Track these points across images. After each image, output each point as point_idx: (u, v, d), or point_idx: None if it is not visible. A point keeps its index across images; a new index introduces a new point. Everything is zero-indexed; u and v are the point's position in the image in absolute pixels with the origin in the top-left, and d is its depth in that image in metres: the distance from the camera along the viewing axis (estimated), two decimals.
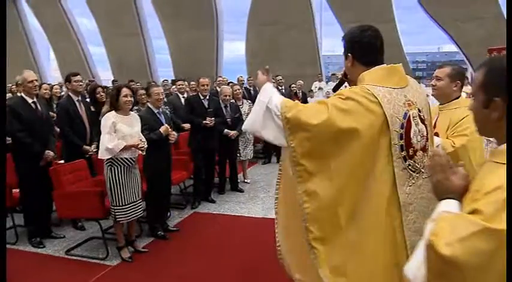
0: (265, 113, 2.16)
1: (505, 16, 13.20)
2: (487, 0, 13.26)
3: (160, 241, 5.04)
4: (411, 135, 2.06)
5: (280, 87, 9.91)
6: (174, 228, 5.41)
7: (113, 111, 4.50)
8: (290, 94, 10.18)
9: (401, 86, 2.11)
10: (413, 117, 2.08)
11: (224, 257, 4.61)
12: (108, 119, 4.40)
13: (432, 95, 3.10)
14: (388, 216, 2.01)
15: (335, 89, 2.44)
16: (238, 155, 7.37)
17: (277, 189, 2.34)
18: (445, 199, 1.41)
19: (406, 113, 2.05)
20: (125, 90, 4.48)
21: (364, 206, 2.00)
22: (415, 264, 1.31)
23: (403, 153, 2.04)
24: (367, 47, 2.14)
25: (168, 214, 5.67)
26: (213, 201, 6.54)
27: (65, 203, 4.65)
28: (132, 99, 4.56)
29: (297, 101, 2.19)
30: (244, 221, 5.80)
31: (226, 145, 6.83)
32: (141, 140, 4.52)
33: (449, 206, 1.37)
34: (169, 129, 5.06)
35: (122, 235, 4.60)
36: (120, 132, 4.38)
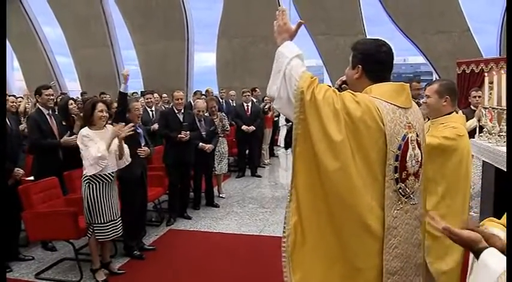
0: (284, 75, 1.99)
1: (471, 29, 13.69)
2: (454, 15, 13.65)
3: (136, 261, 4.85)
4: (407, 158, 2.01)
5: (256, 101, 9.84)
6: (150, 247, 5.23)
7: (86, 127, 4.34)
8: (263, 108, 10.06)
9: (406, 107, 2.06)
10: (411, 140, 2.03)
11: (204, 278, 4.48)
12: (85, 134, 4.24)
13: (425, 113, 3.11)
14: (369, 233, 1.94)
15: None
16: (213, 169, 7.27)
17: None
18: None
19: (405, 135, 2.00)
20: (100, 106, 4.35)
21: (347, 214, 1.92)
22: None
23: (396, 175, 1.98)
24: (380, 64, 2.10)
25: (143, 232, 5.48)
26: (188, 218, 6.39)
27: (36, 223, 4.40)
28: (107, 114, 4.43)
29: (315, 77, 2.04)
30: (221, 238, 5.67)
31: (202, 159, 6.70)
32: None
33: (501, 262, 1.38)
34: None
35: (98, 256, 4.40)
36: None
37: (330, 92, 1.94)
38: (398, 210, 1.99)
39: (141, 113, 5.19)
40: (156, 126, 6.81)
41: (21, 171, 4.76)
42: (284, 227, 2.07)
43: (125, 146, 4.50)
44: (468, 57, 10.67)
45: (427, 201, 2.46)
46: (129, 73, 5.06)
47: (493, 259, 1.38)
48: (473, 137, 4.49)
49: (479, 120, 5.58)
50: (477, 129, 5.37)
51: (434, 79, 17.69)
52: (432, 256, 2.79)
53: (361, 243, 1.95)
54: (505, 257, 1.38)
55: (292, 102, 1.94)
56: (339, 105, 1.89)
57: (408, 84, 2.15)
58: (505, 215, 1.72)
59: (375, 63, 2.09)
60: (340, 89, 2.27)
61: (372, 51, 2.10)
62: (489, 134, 3.82)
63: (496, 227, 1.66)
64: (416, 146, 2.07)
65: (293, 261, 2.03)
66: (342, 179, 1.89)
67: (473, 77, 9.70)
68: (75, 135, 5.14)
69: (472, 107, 5.86)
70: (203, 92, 11.11)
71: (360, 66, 2.10)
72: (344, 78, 2.31)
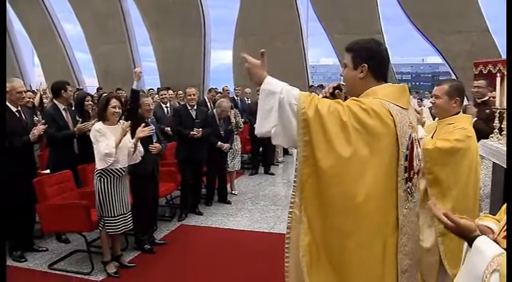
0: (279, 107, 1.88)
1: (490, 30, 13.46)
2: (473, 15, 13.45)
3: (146, 255, 4.93)
4: (413, 158, 2.03)
5: None
6: (161, 241, 5.30)
7: (100, 122, 4.43)
8: None
9: (407, 108, 2.07)
10: (415, 139, 2.06)
11: (213, 273, 4.53)
12: (98, 129, 4.33)
13: (433, 112, 3.12)
14: (383, 237, 1.93)
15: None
16: (226, 166, 7.32)
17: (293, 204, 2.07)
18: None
19: (410, 135, 2.02)
20: (114, 101, 4.43)
21: (363, 223, 1.88)
22: None
23: (406, 174, 1.99)
24: (385, 61, 2.11)
25: (155, 227, 5.56)
26: (200, 214, 6.45)
27: (50, 216, 4.50)
28: (120, 110, 4.49)
29: (314, 94, 1.98)
30: (232, 234, 5.72)
31: (216, 156, 6.76)
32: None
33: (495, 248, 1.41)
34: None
35: (108, 249, 4.49)
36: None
37: (335, 104, 1.87)
38: (406, 209, 2.01)
39: (152, 108, 5.26)
40: (169, 128, 6.88)
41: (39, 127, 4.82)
42: (287, 244, 2.05)
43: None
44: (487, 58, 10.51)
45: (442, 205, 2.50)
46: (142, 71, 5.13)
47: (486, 245, 1.42)
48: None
49: None
50: None
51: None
52: (447, 259, 2.86)
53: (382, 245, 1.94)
54: (497, 245, 1.43)
55: (295, 126, 1.86)
56: (346, 117, 1.83)
57: (407, 85, 2.18)
58: (500, 211, 1.74)
59: (380, 58, 2.09)
60: (332, 96, 2.24)
61: (376, 47, 2.10)
62: (499, 134, 3.80)
63: (490, 221, 1.69)
64: (418, 144, 2.11)
65: (311, 277, 1.94)
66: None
67: (490, 78, 9.56)
68: (88, 122, 5.24)
69: None
70: (219, 90, 11.15)
71: (365, 64, 2.05)
72: (335, 84, 2.28)
